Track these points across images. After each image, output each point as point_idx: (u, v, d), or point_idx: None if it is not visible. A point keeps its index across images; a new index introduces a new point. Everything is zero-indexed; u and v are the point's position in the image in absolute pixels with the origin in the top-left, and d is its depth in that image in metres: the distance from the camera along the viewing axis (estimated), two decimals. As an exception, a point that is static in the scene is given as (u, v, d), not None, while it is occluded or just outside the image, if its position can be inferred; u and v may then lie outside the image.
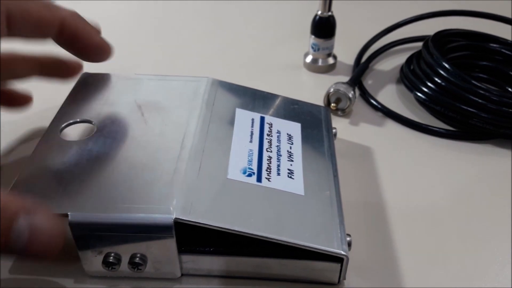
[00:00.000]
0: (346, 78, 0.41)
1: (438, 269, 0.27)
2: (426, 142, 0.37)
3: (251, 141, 0.29)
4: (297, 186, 0.27)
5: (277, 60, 0.37)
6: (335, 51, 0.45)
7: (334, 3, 0.42)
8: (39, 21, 0.27)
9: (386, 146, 0.36)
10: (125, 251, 0.25)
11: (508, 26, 0.45)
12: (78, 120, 0.30)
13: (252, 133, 0.30)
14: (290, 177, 0.28)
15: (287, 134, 0.31)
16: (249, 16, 0.55)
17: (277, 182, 0.27)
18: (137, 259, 0.25)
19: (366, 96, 0.41)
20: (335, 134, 0.33)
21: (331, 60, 0.44)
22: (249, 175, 0.27)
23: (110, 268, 0.25)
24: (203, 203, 0.25)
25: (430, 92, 0.38)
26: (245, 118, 0.31)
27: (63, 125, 0.29)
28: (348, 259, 0.24)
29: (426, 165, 0.34)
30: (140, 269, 0.25)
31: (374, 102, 0.40)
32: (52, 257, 0.22)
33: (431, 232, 0.29)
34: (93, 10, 0.52)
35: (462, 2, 0.51)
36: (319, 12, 0.42)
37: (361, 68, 0.43)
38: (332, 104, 0.38)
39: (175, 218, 0.23)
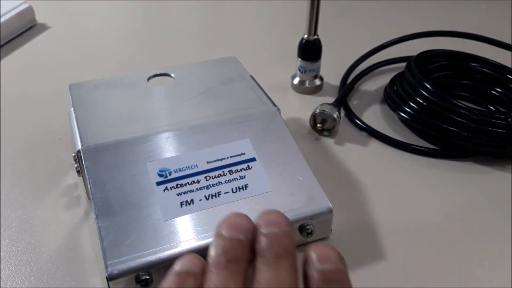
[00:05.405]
0: (332, 99, 0.42)
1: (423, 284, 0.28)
2: (409, 160, 0.38)
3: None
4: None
5: (265, 82, 0.38)
6: (322, 72, 0.46)
7: (321, 26, 0.43)
8: None
9: (370, 165, 0.37)
10: None
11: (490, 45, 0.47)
12: None
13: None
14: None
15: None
16: (238, 39, 0.56)
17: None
18: None
19: (351, 116, 0.42)
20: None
21: (317, 82, 0.46)
22: None
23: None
24: None
25: (412, 112, 0.39)
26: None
27: None
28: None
29: (410, 183, 0.36)
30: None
31: (359, 122, 0.41)
32: None
33: (419, 247, 0.30)
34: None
35: (449, 21, 0.53)
36: (305, 36, 0.44)
37: (346, 89, 0.44)
38: (318, 125, 0.39)
39: None
